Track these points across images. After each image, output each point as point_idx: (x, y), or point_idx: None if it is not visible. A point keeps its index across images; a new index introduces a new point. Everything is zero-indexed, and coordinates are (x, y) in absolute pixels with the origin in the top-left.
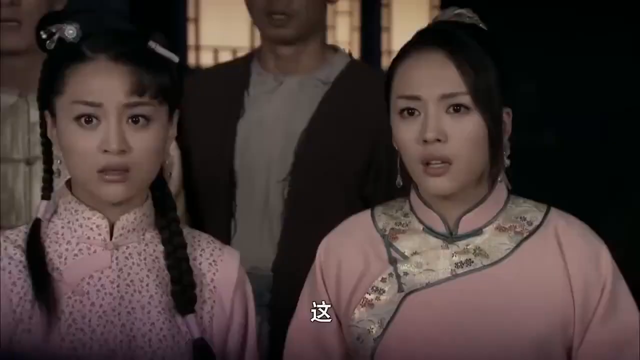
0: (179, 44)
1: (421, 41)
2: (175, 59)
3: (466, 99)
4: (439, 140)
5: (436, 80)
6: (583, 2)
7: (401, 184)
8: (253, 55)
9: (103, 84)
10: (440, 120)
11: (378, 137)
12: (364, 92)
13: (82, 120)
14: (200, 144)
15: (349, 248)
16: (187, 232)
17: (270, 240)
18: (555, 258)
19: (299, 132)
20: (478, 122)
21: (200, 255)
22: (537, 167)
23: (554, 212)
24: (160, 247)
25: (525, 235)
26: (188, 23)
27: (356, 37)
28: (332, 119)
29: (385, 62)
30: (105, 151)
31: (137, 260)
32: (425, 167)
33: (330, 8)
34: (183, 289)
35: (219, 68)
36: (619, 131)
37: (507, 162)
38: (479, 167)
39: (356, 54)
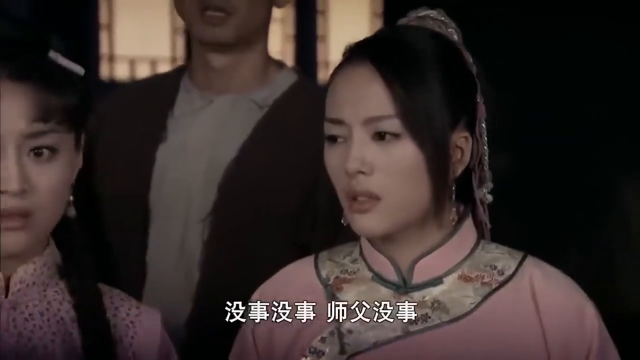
0: (89, 54)
1: (352, 53)
2: (81, 71)
3: (394, 124)
4: (362, 173)
5: (360, 100)
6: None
7: (347, 222)
8: (186, 68)
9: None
10: (365, 148)
11: (318, 174)
12: (306, 119)
13: None
14: (113, 172)
15: (285, 299)
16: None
17: (185, 290)
18: (528, 313)
19: (226, 163)
20: (410, 150)
21: (114, 315)
22: (495, 191)
23: (530, 260)
24: (66, 305)
25: (494, 286)
26: (100, 30)
27: (290, 46)
28: (265, 149)
29: (322, 74)
30: (3, 192)
31: (40, 322)
32: (351, 203)
33: None
34: (95, 338)
35: (144, 82)
36: (588, 151)
37: (489, 197)
38: (416, 204)
39: (291, 64)
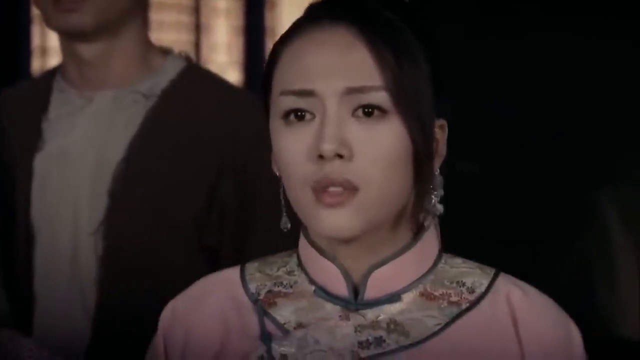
0: (20, 47)
1: (318, 13)
2: None
3: (382, 97)
4: (340, 157)
5: (338, 67)
6: None
7: (288, 226)
8: (58, 68)
9: None
10: (344, 127)
11: (222, 165)
12: (203, 107)
13: None
14: None
15: (203, 316)
16: (5, 336)
17: (82, 313)
18: (506, 337)
19: (115, 165)
20: (398, 131)
21: None
22: (456, 202)
23: (504, 277)
24: None
25: (463, 306)
26: (32, 21)
27: (237, 39)
28: (157, 145)
29: None
30: None
31: None
32: (318, 195)
33: (206, 5)
34: None
35: (15, 89)
36: (559, 157)
37: (440, 208)
38: (397, 198)
39: (238, 58)
